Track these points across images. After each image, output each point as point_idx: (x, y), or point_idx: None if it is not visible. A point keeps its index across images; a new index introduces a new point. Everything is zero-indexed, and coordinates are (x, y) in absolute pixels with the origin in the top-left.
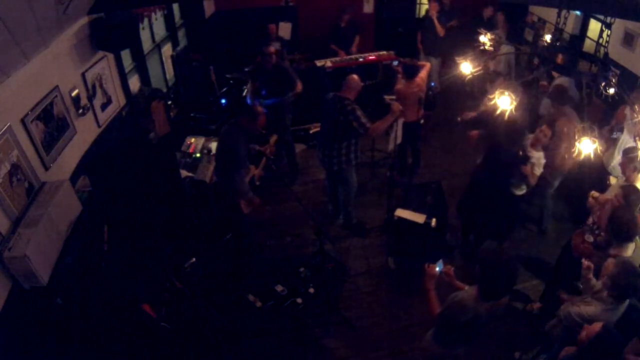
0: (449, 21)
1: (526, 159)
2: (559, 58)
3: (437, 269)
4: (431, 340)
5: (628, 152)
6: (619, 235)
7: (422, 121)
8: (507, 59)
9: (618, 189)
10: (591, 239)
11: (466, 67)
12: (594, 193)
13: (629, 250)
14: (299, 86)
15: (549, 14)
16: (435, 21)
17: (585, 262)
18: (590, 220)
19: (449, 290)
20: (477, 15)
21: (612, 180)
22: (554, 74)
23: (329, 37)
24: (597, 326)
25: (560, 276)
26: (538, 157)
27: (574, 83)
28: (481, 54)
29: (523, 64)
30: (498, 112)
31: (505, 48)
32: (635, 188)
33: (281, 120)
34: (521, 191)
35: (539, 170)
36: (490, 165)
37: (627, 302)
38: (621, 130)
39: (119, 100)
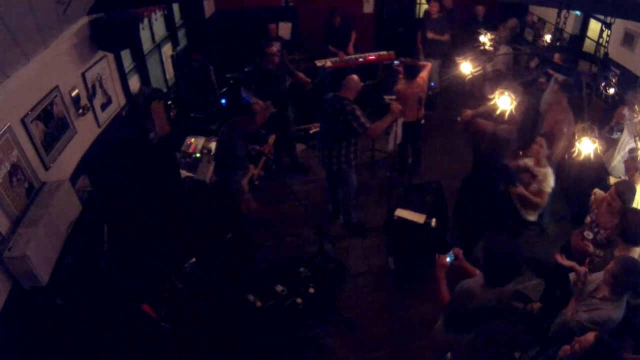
0: (450, 24)
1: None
2: (556, 57)
3: (448, 259)
4: (442, 328)
5: (632, 152)
6: (628, 238)
7: (422, 121)
8: (505, 60)
9: (612, 187)
10: (591, 236)
11: (466, 67)
12: (597, 190)
13: (635, 253)
14: (306, 78)
15: (549, 14)
16: (434, 36)
17: (583, 268)
18: (589, 218)
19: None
20: (475, 15)
21: (612, 180)
22: (550, 71)
23: (326, 39)
24: (590, 337)
25: (559, 276)
26: (544, 173)
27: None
28: (481, 54)
29: (523, 63)
30: (498, 112)
31: (504, 49)
32: (629, 185)
33: (285, 117)
34: (533, 217)
35: (548, 186)
36: (481, 169)
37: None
38: (620, 130)
39: (119, 100)
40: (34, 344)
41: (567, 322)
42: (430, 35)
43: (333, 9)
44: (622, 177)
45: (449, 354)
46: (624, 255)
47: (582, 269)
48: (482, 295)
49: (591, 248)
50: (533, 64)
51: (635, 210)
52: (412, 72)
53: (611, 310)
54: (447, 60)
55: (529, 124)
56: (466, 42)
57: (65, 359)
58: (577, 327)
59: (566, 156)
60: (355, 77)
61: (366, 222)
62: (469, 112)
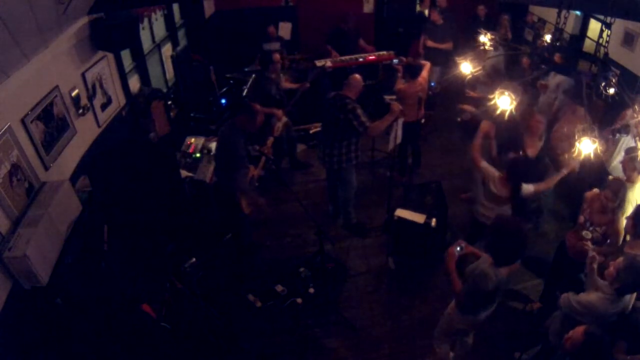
0: (451, 32)
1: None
2: (557, 57)
3: (457, 249)
4: (458, 313)
5: (629, 152)
6: None
7: (423, 120)
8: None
9: (606, 186)
10: (590, 235)
11: (466, 67)
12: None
13: None
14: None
15: (549, 14)
16: (434, 44)
17: (592, 252)
18: (582, 218)
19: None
20: (475, 14)
21: None
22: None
23: (328, 38)
24: (579, 333)
25: (557, 276)
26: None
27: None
28: (482, 54)
29: (524, 64)
30: (498, 112)
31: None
32: (622, 182)
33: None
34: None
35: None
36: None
37: (630, 298)
38: (627, 132)
39: (119, 100)
40: (34, 344)
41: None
42: (429, 43)
43: (347, 14)
44: (623, 177)
45: (451, 354)
46: (633, 256)
47: (592, 253)
48: (496, 275)
49: (590, 246)
50: (525, 63)
51: None
52: (413, 71)
53: (598, 299)
54: (447, 67)
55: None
56: (467, 42)
57: (65, 359)
58: (563, 305)
59: (566, 156)
60: (357, 76)
61: (366, 222)
62: (469, 108)
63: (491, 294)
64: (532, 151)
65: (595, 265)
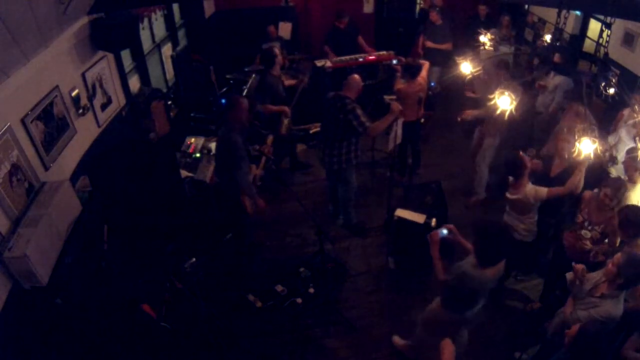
0: (450, 32)
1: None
2: (556, 57)
3: (444, 231)
4: (441, 307)
5: (630, 152)
6: (634, 232)
7: (422, 120)
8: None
9: (605, 186)
10: (589, 235)
11: (466, 67)
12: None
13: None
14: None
15: (549, 14)
16: (434, 45)
17: (580, 266)
18: (580, 218)
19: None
20: (475, 14)
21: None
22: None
23: (325, 39)
24: (574, 329)
25: (558, 276)
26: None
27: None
28: (478, 54)
29: (523, 64)
30: (498, 112)
31: (504, 48)
32: (621, 181)
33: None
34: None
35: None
36: None
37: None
38: (612, 163)
39: (119, 100)
40: (34, 344)
41: (566, 322)
42: (428, 44)
43: (340, 11)
44: (625, 177)
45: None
46: (631, 250)
47: (580, 267)
48: (479, 276)
49: (589, 246)
50: (535, 62)
51: (628, 205)
52: (412, 71)
53: (611, 307)
54: (447, 68)
55: (527, 124)
56: (467, 42)
57: (65, 359)
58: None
59: (566, 156)
60: (356, 76)
61: (366, 222)
62: (469, 112)
63: (474, 294)
64: (553, 170)
65: (586, 276)
